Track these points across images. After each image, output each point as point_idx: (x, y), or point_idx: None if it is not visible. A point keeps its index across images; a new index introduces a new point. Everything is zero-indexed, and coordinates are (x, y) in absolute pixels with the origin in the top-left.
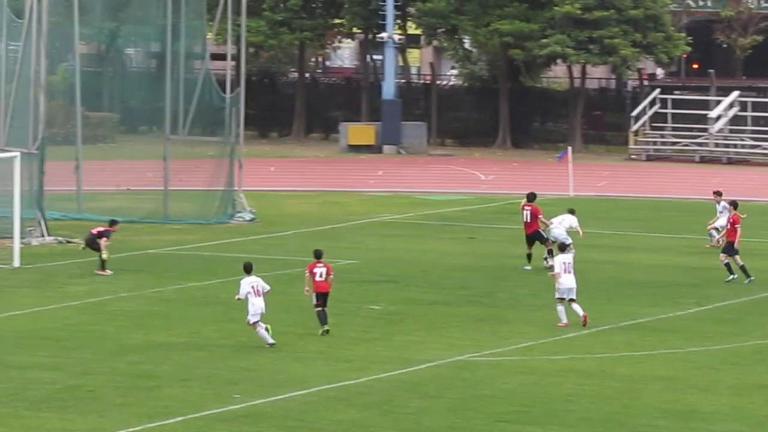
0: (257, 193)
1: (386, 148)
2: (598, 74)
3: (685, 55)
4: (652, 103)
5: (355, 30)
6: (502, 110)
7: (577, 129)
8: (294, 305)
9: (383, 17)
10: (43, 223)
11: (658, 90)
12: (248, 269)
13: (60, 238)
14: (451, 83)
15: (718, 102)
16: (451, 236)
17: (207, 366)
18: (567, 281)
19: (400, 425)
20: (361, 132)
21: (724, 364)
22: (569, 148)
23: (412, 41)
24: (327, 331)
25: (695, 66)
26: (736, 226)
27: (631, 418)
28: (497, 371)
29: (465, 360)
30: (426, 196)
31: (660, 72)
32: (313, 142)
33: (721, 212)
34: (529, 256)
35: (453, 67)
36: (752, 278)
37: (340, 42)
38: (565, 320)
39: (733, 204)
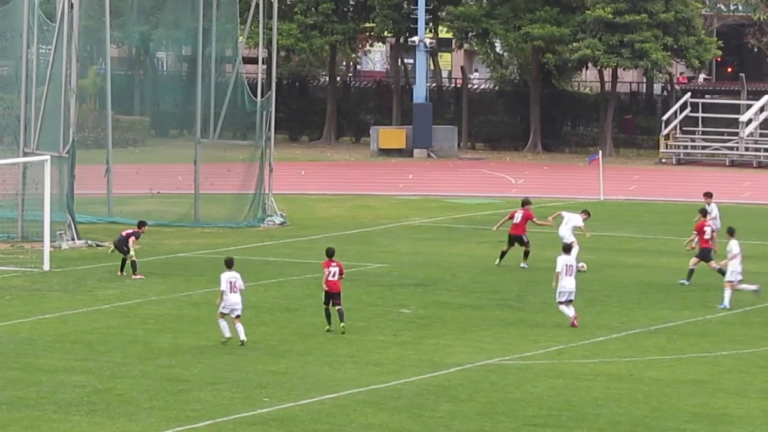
0: (288, 197)
1: (417, 151)
2: (629, 78)
3: (719, 59)
4: (683, 107)
5: (386, 34)
6: (533, 114)
7: (607, 133)
8: (324, 309)
9: (414, 21)
10: (73, 226)
11: (689, 94)
12: (229, 264)
13: (90, 242)
14: (482, 87)
15: (749, 106)
16: (481, 240)
17: (236, 369)
18: (568, 284)
19: (430, 429)
20: (391, 136)
21: (754, 368)
22: (600, 152)
23: (444, 45)
24: (328, 330)
25: (729, 70)
26: (705, 230)
27: (660, 422)
28: (527, 375)
29: (495, 364)
30: (456, 200)
31: (701, 77)
32: (344, 146)
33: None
34: (503, 254)
35: (476, 70)
36: (689, 283)
37: (371, 46)
38: (572, 314)
39: (702, 211)
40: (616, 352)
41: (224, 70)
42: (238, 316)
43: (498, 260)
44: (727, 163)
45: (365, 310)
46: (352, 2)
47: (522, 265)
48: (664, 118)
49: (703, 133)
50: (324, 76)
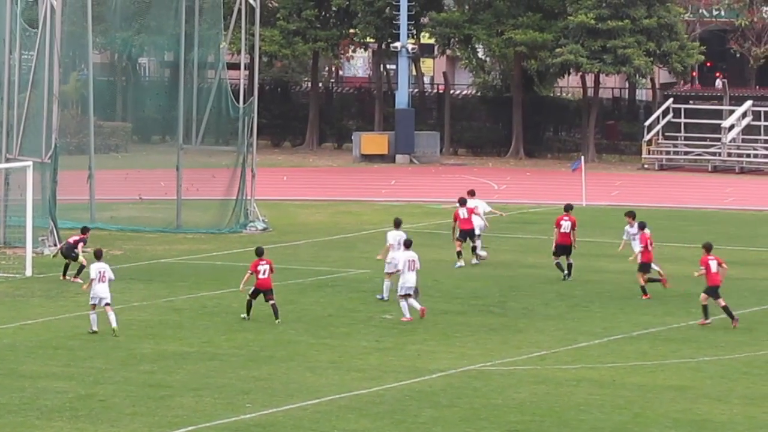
0: (270, 203)
1: (399, 157)
2: (611, 84)
3: (709, 64)
4: (666, 113)
5: (368, 40)
6: (515, 120)
7: (590, 138)
8: (306, 315)
9: (397, 27)
10: (55, 232)
11: (671, 100)
12: (98, 255)
13: None
14: (464, 93)
15: (732, 111)
16: (465, 246)
17: (219, 375)
18: (410, 279)
19: None
20: (374, 141)
21: (736, 374)
22: (582, 158)
23: (426, 51)
24: (244, 318)
25: (718, 74)
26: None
27: (642, 428)
28: (509, 381)
29: (477, 369)
30: (439, 206)
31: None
32: (326, 152)
33: (633, 236)
34: (459, 253)
35: (444, 74)
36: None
37: (353, 52)
38: (408, 315)
39: (641, 225)
40: (599, 357)
41: (207, 75)
42: (107, 304)
43: (458, 261)
44: (710, 169)
45: (347, 316)
46: (334, 8)
47: (473, 261)
48: (647, 123)
49: (686, 138)
50: (306, 82)
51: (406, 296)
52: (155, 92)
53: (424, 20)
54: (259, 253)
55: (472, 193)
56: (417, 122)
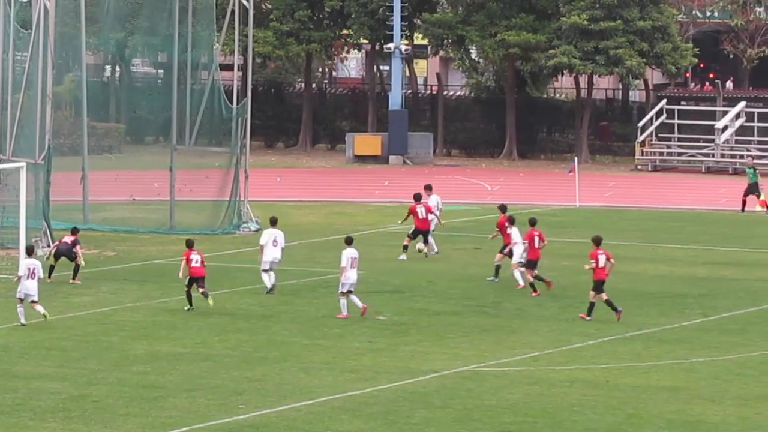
0: (263, 204)
1: (393, 158)
2: (604, 85)
3: (702, 65)
4: (659, 114)
5: (362, 41)
6: (508, 121)
7: (583, 139)
8: (299, 315)
9: (390, 28)
10: (49, 233)
11: (664, 101)
12: (29, 252)
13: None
14: (458, 94)
15: (725, 113)
16: (457, 247)
17: (212, 376)
18: (352, 276)
19: None
20: (367, 142)
21: (730, 375)
22: (575, 159)
23: (419, 52)
24: (188, 309)
25: (712, 76)
26: (534, 242)
27: (636, 429)
28: (503, 382)
29: (470, 370)
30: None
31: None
32: (320, 153)
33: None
34: (405, 247)
35: (437, 75)
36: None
37: (347, 53)
38: (345, 313)
39: (531, 222)
40: (592, 358)
41: (200, 76)
42: (34, 301)
43: (403, 254)
44: (703, 170)
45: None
46: (327, 9)
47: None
48: (640, 124)
49: (679, 139)
50: (300, 83)
51: (348, 293)
52: (148, 93)
53: (417, 21)
54: (189, 245)
55: (429, 188)
56: (410, 123)
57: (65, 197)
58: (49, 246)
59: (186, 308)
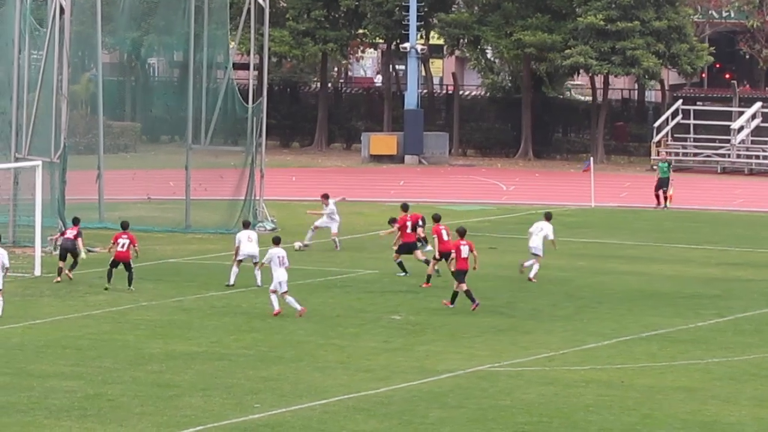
0: (279, 203)
1: (408, 158)
2: (620, 85)
3: (718, 65)
4: (675, 114)
5: (378, 40)
6: (524, 121)
7: (599, 140)
8: (314, 315)
9: (406, 27)
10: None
11: (680, 101)
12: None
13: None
14: (473, 93)
15: (741, 113)
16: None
17: (227, 375)
18: (282, 275)
19: None
20: (383, 142)
21: (745, 375)
22: (591, 159)
23: (435, 51)
24: (107, 289)
25: (728, 76)
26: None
27: (651, 429)
28: (517, 382)
29: (485, 370)
30: (447, 207)
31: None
32: (335, 152)
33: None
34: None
35: (453, 75)
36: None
37: (363, 52)
38: (277, 308)
39: (435, 218)
40: (607, 359)
41: (216, 76)
42: None
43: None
44: (719, 170)
45: (356, 317)
46: (343, 9)
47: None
48: (656, 125)
49: (695, 140)
50: (315, 83)
51: (284, 294)
52: (164, 92)
53: (433, 21)
54: (123, 226)
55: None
56: (426, 123)
57: (81, 196)
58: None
59: (105, 287)
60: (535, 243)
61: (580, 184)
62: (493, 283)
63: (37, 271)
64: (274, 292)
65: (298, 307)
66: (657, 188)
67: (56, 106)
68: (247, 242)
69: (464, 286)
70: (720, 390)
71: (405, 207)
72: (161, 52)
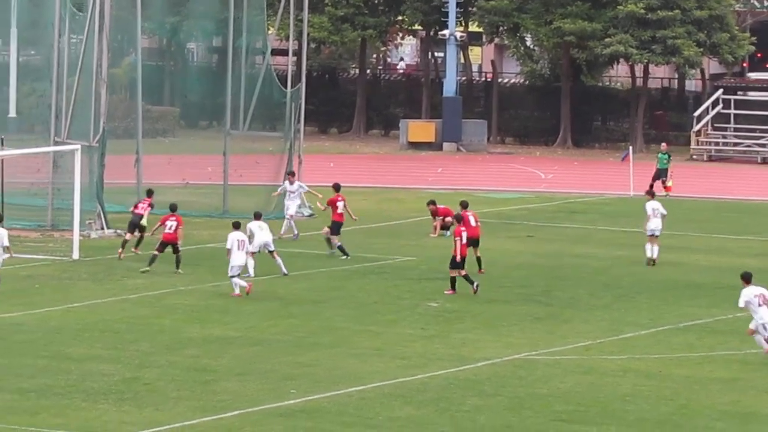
0: (316, 189)
1: (446, 145)
2: (660, 74)
3: (759, 55)
4: (715, 104)
5: (416, 27)
6: (563, 109)
7: (638, 129)
8: (351, 301)
9: (445, 14)
10: (102, 215)
11: (720, 90)
12: None
13: (119, 231)
14: (512, 81)
15: None
16: (510, 234)
17: (264, 361)
18: (240, 258)
19: (457, 423)
20: (421, 129)
21: None
22: (630, 148)
23: (474, 39)
24: (144, 272)
25: None
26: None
27: (688, 420)
28: (554, 370)
29: (522, 358)
30: (485, 194)
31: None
32: (373, 139)
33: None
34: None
35: (492, 62)
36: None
37: (402, 39)
38: (237, 291)
39: (463, 205)
40: (645, 348)
41: (254, 61)
42: None
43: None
44: (759, 161)
45: (393, 304)
46: None
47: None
48: (696, 114)
49: (735, 129)
50: (354, 69)
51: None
52: (203, 77)
53: (473, 9)
54: (172, 208)
55: (292, 175)
56: (464, 110)
57: (119, 180)
58: (102, 229)
59: (143, 270)
60: (656, 224)
61: (619, 173)
62: (530, 271)
63: (75, 255)
64: (234, 277)
65: (245, 284)
66: (654, 178)
67: (95, 91)
68: (260, 231)
69: (463, 272)
70: (758, 381)
71: (337, 187)
72: (200, 38)
